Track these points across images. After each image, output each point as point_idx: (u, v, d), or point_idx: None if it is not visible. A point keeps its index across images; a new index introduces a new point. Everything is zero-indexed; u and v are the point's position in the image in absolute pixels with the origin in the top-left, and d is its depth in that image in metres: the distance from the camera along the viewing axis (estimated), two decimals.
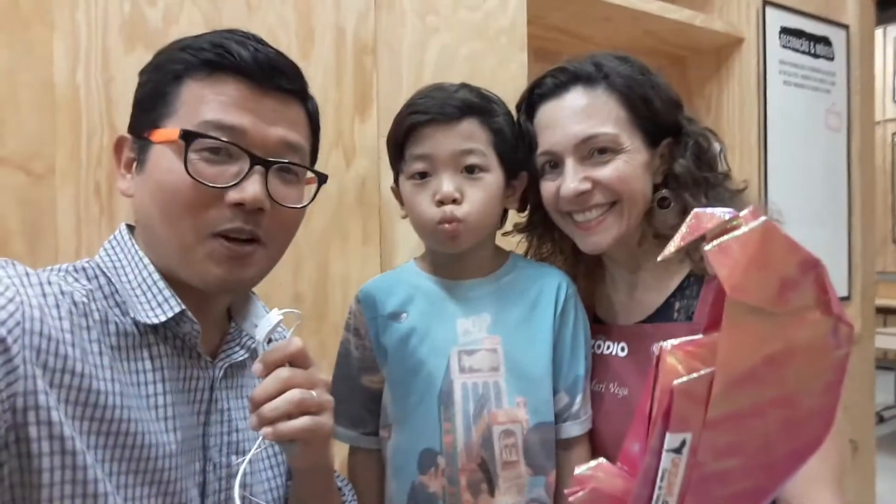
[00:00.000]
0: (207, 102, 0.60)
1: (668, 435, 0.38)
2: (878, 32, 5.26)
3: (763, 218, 0.35)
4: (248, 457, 0.60)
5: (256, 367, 0.59)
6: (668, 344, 0.39)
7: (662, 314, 0.85)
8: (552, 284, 0.84)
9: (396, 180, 0.85)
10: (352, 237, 1.18)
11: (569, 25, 1.67)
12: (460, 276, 0.83)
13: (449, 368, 0.78)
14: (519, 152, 0.84)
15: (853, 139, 2.27)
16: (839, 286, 2.25)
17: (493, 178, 0.80)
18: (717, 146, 0.87)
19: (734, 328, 0.35)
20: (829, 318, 0.36)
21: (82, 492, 0.52)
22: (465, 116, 0.78)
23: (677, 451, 0.38)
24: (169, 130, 0.60)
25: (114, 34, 0.99)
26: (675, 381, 0.37)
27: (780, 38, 2.03)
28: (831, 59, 2.20)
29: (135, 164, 0.64)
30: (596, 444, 0.83)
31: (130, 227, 0.68)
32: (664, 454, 0.38)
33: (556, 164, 0.84)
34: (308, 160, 0.70)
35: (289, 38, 1.13)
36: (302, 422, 0.57)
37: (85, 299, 0.58)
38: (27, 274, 0.56)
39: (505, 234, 0.94)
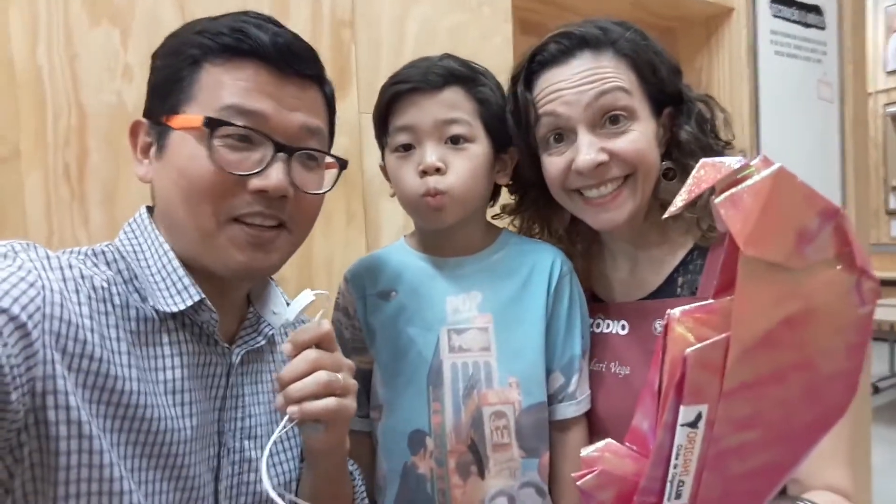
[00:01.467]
0: (228, 87, 0.60)
1: (682, 408, 0.35)
2: (870, 3, 5.21)
3: (777, 165, 0.32)
4: (273, 437, 0.59)
5: (286, 347, 0.60)
6: (677, 311, 0.36)
7: (665, 290, 0.81)
8: (546, 261, 0.80)
9: (384, 157, 0.81)
10: (335, 218, 1.15)
11: None
12: (450, 254, 0.80)
13: (438, 348, 0.76)
14: (508, 125, 0.80)
15: (846, 110, 2.24)
16: None
17: (480, 148, 0.76)
18: (719, 114, 0.83)
19: (749, 288, 0.32)
20: (851, 274, 0.33)
21: (98, 476, 0.53)
22: (449, 85, 0.75)
23: (693, 425, 0.35)
24: (190, 117, 0.60)
25: (76, 8, 0.94)
26: (688, 350, 0.34)
27: (770, 6, 1.99)
28: (823, 28, 2.16)
29: (153, 150, 0.64)
30: (597, 426, 0.81)
31: (150, 209, 0.67)
32: (679, 429, 0.36)
33: (561, 136, 0.78)
34: (327, 144, 0.69)
35: (262, 12, 1.09)
36: (327, 402, 0.58)
37: (105, 283, 0.58)
38: (48, 258, 0.56)
39: (494, 217, 0.91)
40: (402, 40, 1.22)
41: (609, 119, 0.75)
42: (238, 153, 0.60)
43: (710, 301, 0.36)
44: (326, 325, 0.61)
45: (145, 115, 0.65)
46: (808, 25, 2.12)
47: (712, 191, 0.34)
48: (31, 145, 0.93)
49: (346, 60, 1.15)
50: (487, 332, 0.76)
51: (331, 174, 0.70)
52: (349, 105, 1.15)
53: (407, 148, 0.75)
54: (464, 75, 0.76)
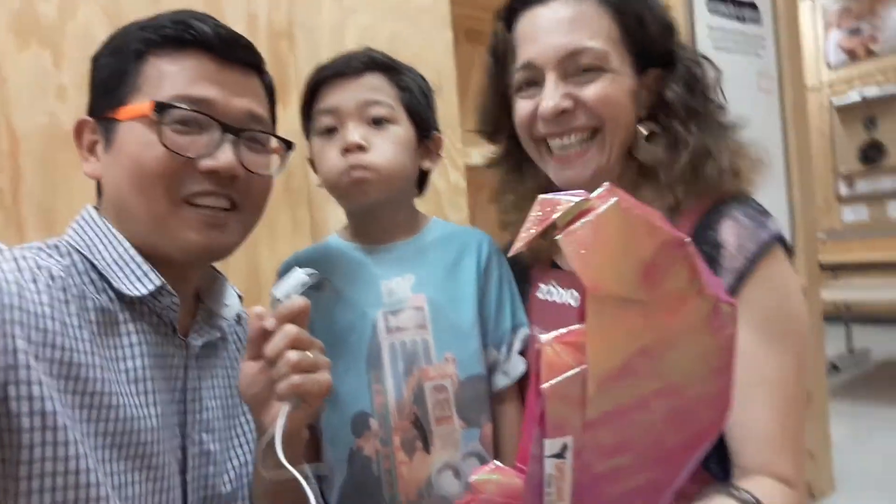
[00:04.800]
0: (173, 77, 0.62)
1: (546, 441, 0.35)
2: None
3: (614, 198, 0.31)
4: (281, 420, 0.59)
5: (269, 321, 0.61)
6: (547, 337, 0.36)
7: None
8: (473, 243, 0.83)
9: (311, 148, 0.82)
10: (280, 227, 1.15)
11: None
12: (381, 241, 0.82)
13: (375, 330, 0.77)
14: (433, 114, 0.83)
15: (786, 101, 2.32)
16: None
17: (402, 130, 0.78)
18: (712, 74, 0.79)
19: (600, 322, 0.32)
20: (707, 299, 0.33)
21: (64, 469, 0.52)
22: (370, 71, 0.78)
23: (559, 455, 0.36)
24: (138, 105, 0.61)
25: (2, 31, 0.94)
26: (544, 385, 0.34)
27: (707, 3, 2.05)
28: (759, 22, 2.24)
29: (99, 146, 0.64)
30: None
31: (95, 209, 0.67)
32: (546, 460, 0.36)
33: (533, 80, 0.76)
34: (272, 131, 0.72)
35: None
36: (297, 379, 0.59)
37: (62, 273, 0.58)
38: None
39: (486, 165, 0.93)
40: (342, 49, 1.22)
41: (582, 67, 0.73)
42: (187, 136, 0.62)
43: (577, 327, 0.36)
44: (307, 302, 0.62)
45: (89, 113, 0.65)
46: (744, 20, 2.19)
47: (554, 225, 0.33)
48: None
49: (284, 72, 1.16)
50: (423, 310, 0.78)
51: (277, 159, 0.73)
52: (290, 115, 1.14)
53: (330, 131, 0.77)
54: (385, 64, 0.79)
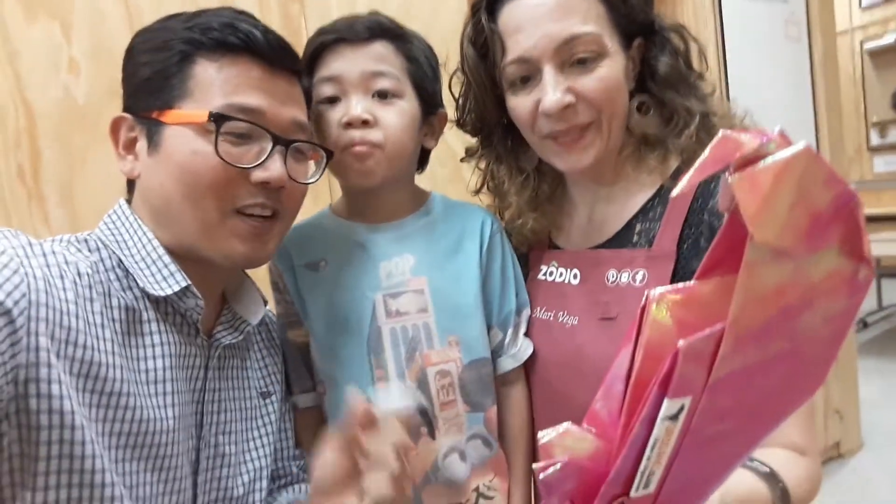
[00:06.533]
0: (224, 84, 0.61)
1: (666, 402, 0.32)
2: None
3: (802, 143, 0.29)
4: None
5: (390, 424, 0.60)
6: (655, 292, 0.33)
7: (621, 238, 0.77)
8: (476, 221, 0.79)
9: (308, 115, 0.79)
10: None
11: None
12: (379, 219, 0.78)
13: (375, 315, 0.74)
14: (438, 88, 0.78)
15: (814, 48, 2.23)
16: None
17: (409, 105, 0.73)
18: (693, 44, 0.79)
19: (755, 276, 0.30)
20: (852, 262, 0.31)
21: (80, 467, 0.53)
22: (377, 38, 0.72)
23: (674, 418, 0.33)
24: (192, 113, 0.60)
25: (9, 3, 0.92)
26: (681, 342, 0.31)
27: None
28: None
29: (140, 145, 0.64)
30: (542, 375, 0.79)
31: (127, 203, 0.67)
32: (659, 422, 0.33)
33: (528, 75, 0.74)
34: (312, 136, 0.71)
35: None
36: (386, 484, 0.57)
37: (90, 270, 0.58)
38: (30, 244, 0.55)
39: (462, 159, 0.88)
40: (354, 10, 1.19)
41: (577, 55, 0.71)
42: (239, 147, 0.61)
43: (692, 282, 0.34)
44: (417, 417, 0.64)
45: (127, 110, 0.65)
46: None
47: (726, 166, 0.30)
48: None
49: (296, 35, 1.13)
50: (423, 293, 0.75)
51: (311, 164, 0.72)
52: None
53: (332, 101, 0.73)
54: (392, 31, 0.74)
